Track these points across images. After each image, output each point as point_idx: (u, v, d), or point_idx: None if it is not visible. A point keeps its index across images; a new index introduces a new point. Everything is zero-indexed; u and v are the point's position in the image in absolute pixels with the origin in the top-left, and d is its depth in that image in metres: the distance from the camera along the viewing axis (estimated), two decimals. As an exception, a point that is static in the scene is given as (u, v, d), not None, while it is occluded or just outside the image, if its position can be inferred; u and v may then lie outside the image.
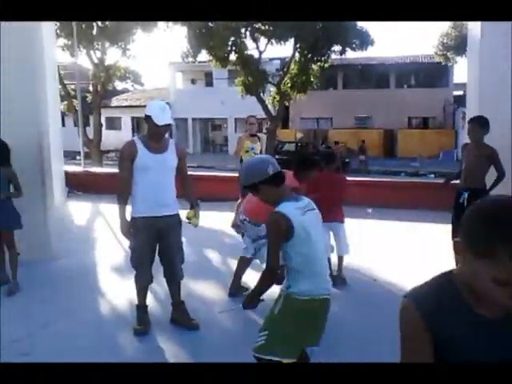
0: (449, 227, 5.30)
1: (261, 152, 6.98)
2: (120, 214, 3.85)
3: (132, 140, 3.93)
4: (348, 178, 6.00)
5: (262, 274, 2.62)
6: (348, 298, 4.81)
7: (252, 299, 2.72)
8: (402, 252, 6.46)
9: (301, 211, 2.48)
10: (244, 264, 4.77)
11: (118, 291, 4.95)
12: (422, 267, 5.70)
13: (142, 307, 4.07)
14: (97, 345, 3.82)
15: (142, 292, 4.06)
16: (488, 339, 1.26)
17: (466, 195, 5.04)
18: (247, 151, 6.94)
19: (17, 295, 4.85)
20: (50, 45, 6.42)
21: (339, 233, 5.18)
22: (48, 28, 6.21)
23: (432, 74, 30.89)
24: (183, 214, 4.06)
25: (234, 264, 5.01)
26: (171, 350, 3.76)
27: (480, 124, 5.04)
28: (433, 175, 20.17)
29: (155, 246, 3.92)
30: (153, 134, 3.82)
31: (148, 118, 3.76)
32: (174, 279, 4.09)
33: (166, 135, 4.01)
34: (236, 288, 4.73)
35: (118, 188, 3.94)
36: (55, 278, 5.40)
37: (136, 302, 4.11)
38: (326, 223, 4.95)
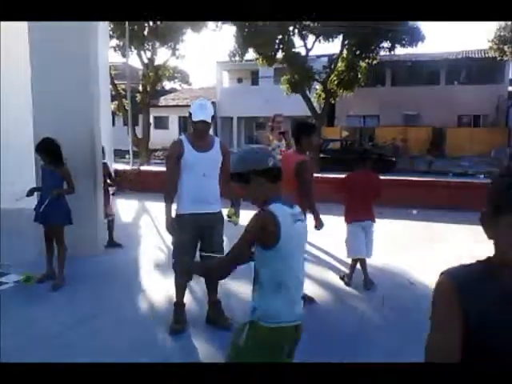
0: None
1: (287, 149, 7.20)
2: (166, 212, 3.96)
3: (179, 139, 4.03)
4: (394, 178, 5.96)
5: (220, 262, 2.40)
6: (384, 301, 4.76)
7: (188, 269, 2.65)
8: (444, 254, 6.29)
9: (292, 219, 2.14)
10: None
11: (159, 288, 5.02)
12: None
13: (179, 305, 4.11)
14: (133, 343, 3.86)
15: (180, 290, 4.11)
16: None
17: None
18: (273, 149, 7.11)
19: (62, 289, 4.99)
20: (104, 45, 6.64)
21: (370, 233, 5.14)
22: (102, 28, 6.41)
23: (485, 69, 29.66)
24: (225, 212, 4.11)
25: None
26: (205, 350, 3.76)
27: None
28: (482, 175, 19.49)
29: (197, 243, 3.97)
30: (194, 131, 3.93)
31: (189, 115, 3.89)
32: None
33: (211, 133, 4.11)
34: None
35: (164, 186, 4.05)
36: (100, 274, 5.55)
37: (174, 299, 4.15)
38: (358, 222, 5.03)
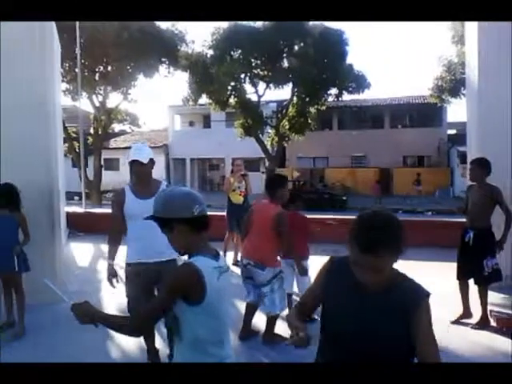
0: (448, 264, 5.35)
1: (246, 190, 7.84)
2: (108, 260, 3.88)
3: (122, 188, 3.91)
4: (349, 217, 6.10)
5: (128, 323, 1.96)
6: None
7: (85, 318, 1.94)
8: None
9: (217, 273, 1.93)
10: (251, 309, 4.70)
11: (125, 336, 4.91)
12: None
13: (151, 352, 4.05)
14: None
15: (148, 339, 4.02)
16: (363, 310, 1.71)
17: (471, 234, 5.07)
18: (234, 190, 7.86)
19: (22, 338, 4.79)
20: (57, 89, 6.61)
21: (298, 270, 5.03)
22: (55, 72, 6.34)
23: (426, 114, 31.55)
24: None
25: (242, 305, 4.87)
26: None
27: (481, 165, 5.08)
28: (430, 213, 20.37)
29: (152, 293, 3.71)
30: (134, 175, 3.88)
31: (131, 163, 3.77)
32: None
33: (155, 177, 3.94)
34: (246, 332, 4.67)
35: (108, 235, 3.95)
36: (61, 322, 5.13)
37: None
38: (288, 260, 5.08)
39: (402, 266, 1.75)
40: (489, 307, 5.12)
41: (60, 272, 6.20)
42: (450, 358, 4.21)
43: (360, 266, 1.67)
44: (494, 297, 5.21)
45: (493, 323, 5.07)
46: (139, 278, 3.71)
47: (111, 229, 3.94)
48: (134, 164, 3.72)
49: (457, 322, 5.15)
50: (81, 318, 1.90)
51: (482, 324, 5.04)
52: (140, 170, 3.76)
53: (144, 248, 3.70)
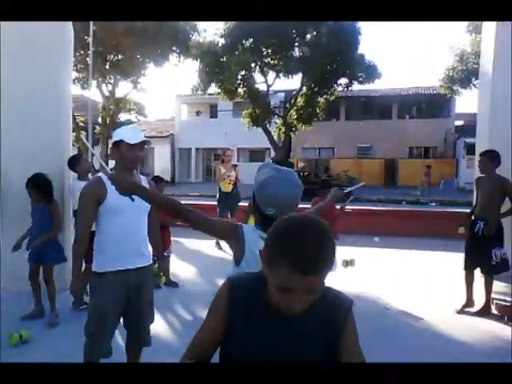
0: (454, 255, 5.39)
1: (236, 179, 8.78)
2: (75, 269, 3.12)
3: (97, 178, 3.07)
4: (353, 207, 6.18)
5: (179, 206, 2.02)
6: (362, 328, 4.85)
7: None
8: (411, 280, 6.69)
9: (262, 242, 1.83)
10: None
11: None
12: (430, 295, 5.97)
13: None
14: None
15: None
16: (276, 337, 1.40)
17: (481, 225, 5.15)
18: (224, 179, 8.75)
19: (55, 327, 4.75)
20: (69, 77, 6.57)
21: None
22: (67, 61, 6.35)
23: (434, 104, 31.54)
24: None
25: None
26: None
27: (490, 157, 5.15)
28: (434, 203, 20.46)
29: (122, 307, 3.07)
30: (127, 163, 3.05)
31: (118, 144, 3.02)
32: (138, 344, 3.34)
33: (135, 172, 3.22)
34: None
35: (76, 237, 3.11)
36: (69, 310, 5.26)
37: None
38: None
39: (404, 256, 1.62)
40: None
41: (69, 260, 6.05)
42: (454, 346, 4.42)
43: (291, 291, 1.27)
44: (495, 285, 5.30)
45: (494, 311, 5.20)
46: (116, 289, 2.99)
47: (81, 235, 3.06)
48: (130, 147, 2.98)
49: (461, 311, 5.27)
50: (121, 188, 2.04)
51: (484, 312, 5.16)
52: (136, 156, 3.03)
53: (125, 251, 3.01)
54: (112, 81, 23.09)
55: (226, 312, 1.43)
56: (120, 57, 21.33)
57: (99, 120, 24.86)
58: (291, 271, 1.22)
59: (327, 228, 1.30)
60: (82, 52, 19.81)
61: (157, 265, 3.59)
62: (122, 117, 35.24)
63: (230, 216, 8.70)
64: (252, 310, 1.41)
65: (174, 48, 21.28)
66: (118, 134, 3.03)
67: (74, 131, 22.36)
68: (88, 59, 17.96)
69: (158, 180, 6.12)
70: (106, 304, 2.97)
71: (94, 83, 22.39)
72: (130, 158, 3.01)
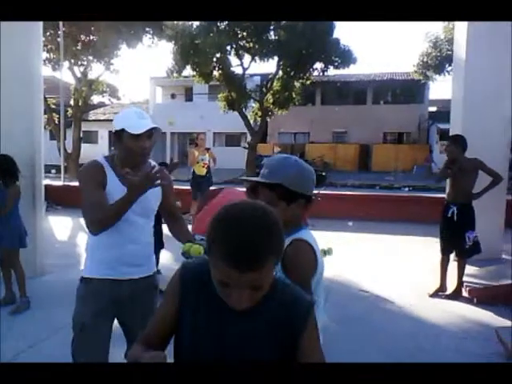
0: (426, 239, 5.47)
1: (209, 163, 9.26)
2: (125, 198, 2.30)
3: (96, 161, 2.47)
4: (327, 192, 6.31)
5: None
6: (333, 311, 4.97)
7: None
8: (384, 264, 6.83)
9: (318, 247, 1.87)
10: None
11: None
12: (404, 279, 6.09)
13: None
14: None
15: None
16: (224, 334, 1.30)
17: (455, 209, 5.21)
18: (198, 162, 9.12)
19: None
20: (39, 58, 6.43)
21: None
22: (37, 42, 6.18)
23: (408, 90, 31.80)
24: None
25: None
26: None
27: (456, 142, 5.25)
28: (407, 188, 20.71)
29: (110, 318, 2.59)
30: (134, 157, 2.45)
31: (120, 133, 2.41)
32: None
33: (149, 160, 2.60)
34: None
35: (102, 220, 2.36)
36: (40, 297, 5.17)
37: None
38: None
39: (380, 241, 1.59)
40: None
41: (40, 245, 6.10)
42: (426, 328, 4.51)
43: (231, 286, 1.16)
44: (466, 269, 5.42)
45: (465, 294, 5.32)
46: (101, 300, 2.49)
47: (104, 216, 2.34)
48: (135, 138, 2.38)
49: (434, 294, 5.37)
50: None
51: (455, 295, 5.29)
52: (143, 149, 2.43)
53: (118, 259, 2.50)
54: (84, 62, 22.53)
55: (178, 302, 1.34)
56: (92, 37, 20.81)
57: (71, 102, 24.35)
58: (230, 268, 1.10)
59: (272, 217, 1.17)
60: (52, 32, 19.25)
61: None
62: (95, 99, 34.69)
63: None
64: (201, 303, 1.32)
65: (148, 29, 20.85)
66: (119, 122, 2.42)
67: (45, 113, 21.97)
68: (59, 39, 17.46)
69: (167, 166, 5.92)
70: (88, 316, 2.46)
71: (65, 64, 21.89)
72: (135, 151, 2.41)
